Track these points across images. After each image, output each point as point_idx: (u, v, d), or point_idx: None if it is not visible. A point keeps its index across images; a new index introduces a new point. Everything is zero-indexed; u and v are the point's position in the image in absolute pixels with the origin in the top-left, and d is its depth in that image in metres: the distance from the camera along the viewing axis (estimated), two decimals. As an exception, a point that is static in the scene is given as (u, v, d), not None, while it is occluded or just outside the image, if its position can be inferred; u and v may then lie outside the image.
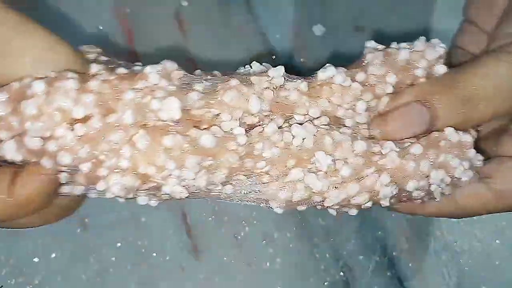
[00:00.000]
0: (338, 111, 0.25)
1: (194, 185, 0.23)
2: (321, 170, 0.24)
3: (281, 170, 0.24)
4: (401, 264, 0.35)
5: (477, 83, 0.24)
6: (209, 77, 0.25)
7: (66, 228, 0.34)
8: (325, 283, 0.34)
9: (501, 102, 0.24)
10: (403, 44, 0.26)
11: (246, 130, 0.24)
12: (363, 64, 0.25)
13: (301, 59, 0.37)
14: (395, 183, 0.24)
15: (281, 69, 0.24)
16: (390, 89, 0.25)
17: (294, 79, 0.25)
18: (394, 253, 0.35)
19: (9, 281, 0.33)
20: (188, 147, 0.22)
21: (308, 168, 0.24)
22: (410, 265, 0.35)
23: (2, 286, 0.33)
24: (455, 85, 0.24)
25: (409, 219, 0.36)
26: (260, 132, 0.24)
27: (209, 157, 0.23)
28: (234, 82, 0.24)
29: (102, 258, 0.34)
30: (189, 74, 0.24)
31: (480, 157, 0.25)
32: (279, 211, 0.24)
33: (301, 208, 0.24)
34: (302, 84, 0.24)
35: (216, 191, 0.24)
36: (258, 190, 0.24)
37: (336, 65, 0.25)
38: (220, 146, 0.23)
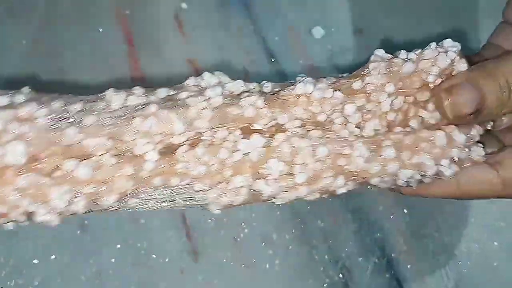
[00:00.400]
0: (319, 117, 0.26)
1: (70, 210, 0.24)
2: (272, 176, 0.25)
3: (216, 180, 0.25)
4: (399, 266, 0.35)
5: None
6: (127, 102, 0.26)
7: (66, 229, 0.34)
8: (324, 285, 0.35)
9: None
10: (412, 55, 0.26)
11: (172, 150, 0.25)
12: (364, 72, 0.26)
13: (300, 62, 0.38)
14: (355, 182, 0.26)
15: (217, 89, 0.26)
16: (385, 97, 0.26)
17: (251, 92, 0.26)
18: (392, 255, 0.35)
19: (8, 282, 0.33)
20: (49, 181, 0.24)
21: (259, 173, 0.25)
22: (408, 266, 0.35)
23: (2, 287, 0.33)
24: (496, 72, 0.25)
25: (408, 221, 0.36)
26: (184, 152, 0.25)
27: (91, 184, 0.24)
28: (153, 108, 0.25)
29: (102, 259, 0.34)
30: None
31: (481, 151, 0.26)
32: (217, 212, 0.26)
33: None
34: (259, 101, 0.26)
35: (113, 206, 0.25)
36: (190, 197, 0.26)
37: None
38: (108, 174, 0.24)
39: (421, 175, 0.26)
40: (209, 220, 0.35)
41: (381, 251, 0.35)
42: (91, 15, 0.36)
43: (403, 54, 0.26)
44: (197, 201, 0.26)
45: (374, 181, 0.26)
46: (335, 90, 0.26)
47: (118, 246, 0.34)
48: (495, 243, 0.35)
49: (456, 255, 0.35)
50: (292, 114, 0.26)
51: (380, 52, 0.27)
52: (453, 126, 0.26)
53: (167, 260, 0.34)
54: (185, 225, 0.35)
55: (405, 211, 0.36)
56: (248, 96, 0.26)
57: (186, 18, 0.36)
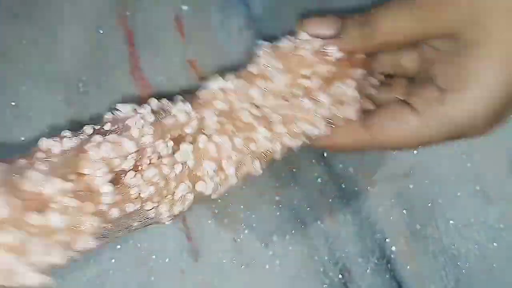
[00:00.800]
0: (235, 106, 0.29)
1: (50, 263, 0.25)
2: (208, 175, 0.28)
3: (164, 195, 0.28)
4: (399, 267, 0.35)
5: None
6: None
7: (66, 230, 0.34)
8: (324, 285, 0.35)
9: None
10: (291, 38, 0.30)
11: (120, 177, 0.27)
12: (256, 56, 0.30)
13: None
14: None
15: (147, 107, 0.29)
16: (277, 75, 0.29)
17: (177, 102, 0.29)
18: (392, 256, 0.35)
19: (8, 283, 0.33)
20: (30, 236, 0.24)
21: (197, 177, 0.28)
22: (408, 267, 0.35)
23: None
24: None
25: (408, 222, 0.36)
26: (132, 177, 0.27)
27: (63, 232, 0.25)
28: (98, 138, 0.27)
29: (102, 260, 0.34)
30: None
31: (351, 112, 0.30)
32: (169, 222, 0.29)
33: None
34: (187, 107, 0.29)
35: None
36: (146, 218, 0.28)
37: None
38: (76, 218, 0.25)
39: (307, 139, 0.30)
40: (209, 221, 0.35)
41: (381, 251, 0.35)
42: (91, 16, 0.36)
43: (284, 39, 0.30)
44: (150, 219, 0.28)
45: (278, 155, 0.30)
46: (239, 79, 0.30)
47: (118, 246, 0.34)
48: (494, 244, 0.35)
49: (456, 256, 0.35)
50: (211, 111, 0.29)
51: (262, 41, 0.30)
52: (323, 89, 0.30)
53: (167, 260, 0.34)
54: (185, 225, 0.35)
55: (405, 212, 0.36)
56: (176, 105, 0.29)
57: (186, 19, 0.36)
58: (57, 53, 0.35)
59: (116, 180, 0.26)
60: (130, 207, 0.26)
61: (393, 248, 0.35)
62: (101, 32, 0.35)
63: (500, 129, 0.36)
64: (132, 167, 0.27)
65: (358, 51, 0.29)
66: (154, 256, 0.34)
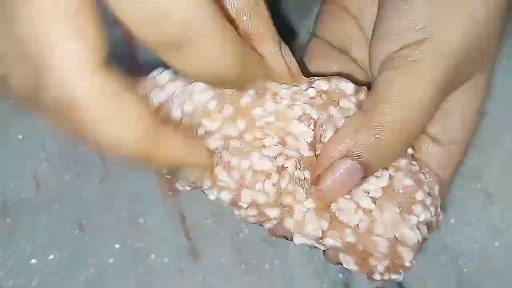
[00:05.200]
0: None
1: None
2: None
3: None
4: (400, 266, 0.35)
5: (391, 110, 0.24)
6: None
7: (64, 229, 0.34)
8: (324, 285, 0.34)
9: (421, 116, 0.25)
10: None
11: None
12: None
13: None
14: None
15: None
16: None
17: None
18: (393, 255, 0.35)
19: (7, 282, 0.33)
20: None
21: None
22: (409, 266, 0.35)
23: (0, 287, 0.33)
24: (374, 123, 0.24)
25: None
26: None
27: None
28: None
29: (100, 259, 0.34)
30: None
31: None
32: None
33: None
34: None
35: None
36: None
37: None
38: None
39: None
40: (209, 220, 0.35)
41: (381, 251, 0.35)
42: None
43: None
44: None
45: None
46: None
47: (117, 246, 0.34)
48: (496, 243, 0.35)
49: (457, 255, 0.35)
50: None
51: None
52: None
53: (166, 260, 0.34)
54: (184, 225, 0.35)
55: (406, 211, 0.36)
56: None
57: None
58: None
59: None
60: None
61: (394, 247, 0.35)
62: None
63: (501, 128, 0.36)
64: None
65: None
66: (153, 256, 0.34)
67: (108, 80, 0.19)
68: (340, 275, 0.34)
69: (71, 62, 0.18)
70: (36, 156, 0.35)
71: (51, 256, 0.34)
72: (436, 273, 0.35)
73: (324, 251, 0.27)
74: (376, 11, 0.27)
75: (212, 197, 0.26)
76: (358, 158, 0.24)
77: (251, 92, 0.25)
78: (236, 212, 0.26)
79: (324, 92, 0.26)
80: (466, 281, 0.34)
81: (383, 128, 0.24)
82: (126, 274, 0.34)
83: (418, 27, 0.24)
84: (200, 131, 0.25)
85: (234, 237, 0.35)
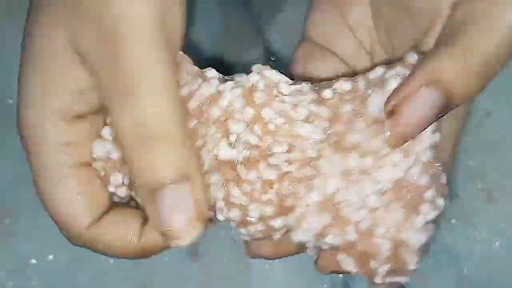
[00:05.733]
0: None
1: None
2: None
3: None
4: (400, 266, 0.35)
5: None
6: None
7: (64, 229, 0.34)
8: (324, 285, 0.34)
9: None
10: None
11: None
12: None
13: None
14: None
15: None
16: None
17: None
18: (393, 255, 0.35)
19: (6, 282, 0.33)
20: None
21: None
22: (409, 266, 0.35)
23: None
24: (463, 47, 0.22)
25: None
26: None
27: None
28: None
29: (101, 260, 0.34)
30: None
31: None
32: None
33: None
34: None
35: None
36: None
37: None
38: None
39: None
40: (209, 220, 0.35)
41: (381, 251, 0.35)
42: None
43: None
44: None
45: None
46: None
47: (117, 246, 0.34)
48: (496, 243, 0.35)
49: (457, 255, 0.35)
50: None
51: None
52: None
53: (166, 260, 0.34)
54: (184, 224, 0.35)
55: (406, 210, 0.36)
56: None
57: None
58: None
59: None
60: None
61: (394, 247, 0.35)
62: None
63: (501, 128, 0.36)
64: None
65: None
66: (153, 256, 0.34)
67: None
68: (340, 275, 0.34)
69: None
70: (36, 156, 0.35)
71: (51, 257, 0.34)
72: (436, 273, 0.35)
73: (315, 260, 0.26)
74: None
75: (221, 217, 0.25)
76: (441, 86, 0.21)
77: (260, 84, 0.24)
78: (243, 231, 0.25)
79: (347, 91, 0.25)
80: (466, 281, 0.34)
81: (473, 52, 0.21)
82: (126, 274, 0.34)
83: None
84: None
85: (234, 237, 0.35)
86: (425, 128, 0.22)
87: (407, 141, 0.22)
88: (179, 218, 0.22)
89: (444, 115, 0.22)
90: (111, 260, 0.34)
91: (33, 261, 0.34)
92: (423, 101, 0.21)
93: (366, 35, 0.28)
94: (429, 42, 0.24)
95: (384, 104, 0.22)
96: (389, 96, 0.22)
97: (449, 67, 0.21)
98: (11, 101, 0.34)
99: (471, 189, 0.36)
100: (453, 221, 0.35)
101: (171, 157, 0.22)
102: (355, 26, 0.28)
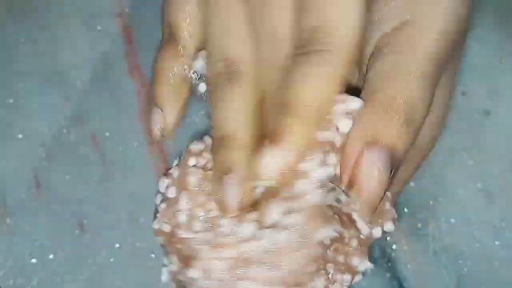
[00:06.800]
0: None
1: None
2: None
3: None
4: (400, 265, 0.35)
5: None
6: None
7: (64, 229, 0.34)
8: (324, 285, 0.34)
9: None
10: None
11: None
12: None
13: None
14: None
15: None
16: None
17: None
18: (393, 255, 0.35)
19: (7, 282, 0.33)
20: None
21: None
22: (409, 266, 0.35)
23: (0, 287, 0.33)
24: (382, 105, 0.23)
25: (409, 220, 0.35)
26: None
27: None
28: None
29: (101, 259, 0.34)
30: None
31: None
32: None
33: None
34: None
35: None
36: None
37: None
38: None
39: None
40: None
41: (381, 250, 0.35)
42: (90, 13, 0.36)
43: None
44: None
45: None
46: None
47: (117, 245, 0.34)
48: (496, 242, 0.35)
49: (457, 255, 0.35)
50: None
51: None
52: None
53: (166, 260, 0.34)
54: (184, 224, 0.35)
55: (406, 210, 0.36)
56: None
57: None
58: (56, 50, 0.35)
59: None
60: None
61: (394, 247, 0.35)
62: (99, 29, 0.35)
63: (501, 128, 0.36)
64: None
65: None
66: (153, 255, 0.34)
67: None
68: (340, 274, 0.34)
69: None
70: (36, 156, 0.35)
71: (51, 256, 0.34)
72: (436, 272, 0.35)
73: None
74: None
75: None
76: (380, 143, 0.22)
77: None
78: None
79: None
80: (466, 281, 0.34)
81: (391, 106, 0.22)
82: (126, 274, 0.34)
83: (400, 12, 0.24)
84: None
85: (234, 236, 0.35)
86: (388, 186, 0.22)
87: (378, 205, 0.23)
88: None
89: (399, 165, 0.23)
90: (111, 260, 0.34)
91: (33, 261, 0.34)
92: (371, 164, 0.22)
93: None
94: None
95: (339, 178, 0.23)
96: (339, 171, 0.23)
97: (378, 124, 0.22)
98: (11, 101, 0.34)
99: (471, 189, 0.36)
100: (452, 220, 0.35)
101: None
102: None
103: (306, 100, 0.22)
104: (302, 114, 0.22)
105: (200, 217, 0.25)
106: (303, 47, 0.23)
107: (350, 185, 0.22)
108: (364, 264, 0.26)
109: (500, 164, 0.36)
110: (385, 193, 0.22)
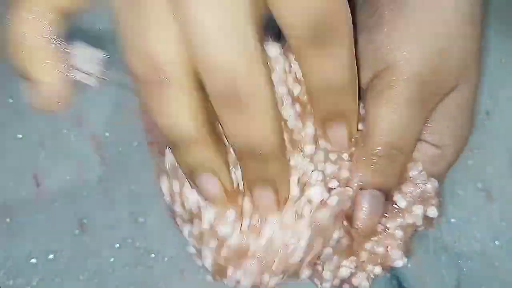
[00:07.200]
0: None
1: None
2: None
3: None
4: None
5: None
6: None
7: (64, 229, 0.34)
8: (324, 285, 0.34)
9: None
10: None
11: None
12: None
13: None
14: None
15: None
16: None
17: None
18: (393, 254, 0.35)
19: (7, 282, 0.33)
20: None
21: None
22: (409, 266, 0.35)
23: (0, 286, 0.33)
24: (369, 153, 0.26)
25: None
26: None
27: None
28: None
29: (101, 259, 0.34)
30: None
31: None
32: None
33: None
34: None
35: None
36: None
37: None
38: None
39: None
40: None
41: (381, 250, 0.35)
42: (89, 14, 0.36)
43: None
44: None
45: None
46: None
47: (117, 245, 0.34)
48: (496, 242, 0.35)
49: (457, 255, 0.35)
50: None
51: None
52: None
53: (166, 259, 0.34)
54: (184, 224, 0.35)
55: (406, 210, 0.36)
56: None
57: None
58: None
59: None
60: None
61: (394, 247, 0.35)
62: (99, 29, 0.35)
63: (501, 128, 0.36)
64: None
65: None
66: (153, 255, 0.34)
67: None
68: (340, 274, 0.34)
69: None
70: (36, 156, 0.35)
71: (51, 256, 0.34)
72: (436, 273, 0.35)
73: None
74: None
75: None
76: (371, 185, 0.26)
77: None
78: None
79: None
80: (466, 281, 0.34)
81: (378, 155, 0.26)
82: (126, 273, 0.34)
83: (383, 54, 0.26)
84: None
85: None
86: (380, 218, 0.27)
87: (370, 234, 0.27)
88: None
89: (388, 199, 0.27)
90: (111, 260, 0.34)
91: (33, 261, 0.34)
92: (367, 203, 0.26)
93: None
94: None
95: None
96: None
97: (367, 170, 0.26)
98: (11, 101, 0.34)
99: (471, 189, 0.36)
100: (452, 220, 0.35)
101: None
102: None
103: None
104: None
105: None
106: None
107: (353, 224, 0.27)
108: (401, 261, 0.27)
109: (500, 164, 0.36)
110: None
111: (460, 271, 0.35)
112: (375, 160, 0.26)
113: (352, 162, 0.26)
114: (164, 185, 0.27)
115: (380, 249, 0.27)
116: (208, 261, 0.26)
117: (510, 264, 0.35)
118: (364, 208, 0.26)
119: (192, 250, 0.28)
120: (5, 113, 0.34)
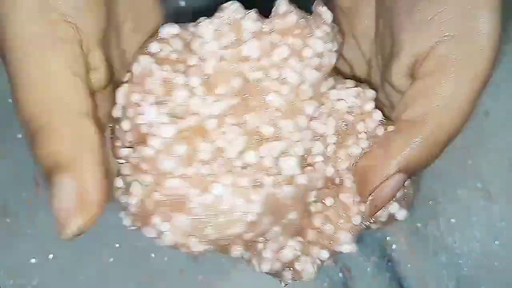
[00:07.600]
0: None
1: None
2: None
3: None
4: (400, 265, 0.35)
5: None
6: None
7: (64, 229, 0.34)
8: (324, 284, 0.34)
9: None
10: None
11: None
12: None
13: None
14: None
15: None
16: None
17: None
18: (393, 254, 0.35)
19: (7, 282, 0.33)
20: None
21: None
22: (409, 266, 0.35)
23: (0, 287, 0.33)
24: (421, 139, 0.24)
25: (409, 220, 0.35)
26: None
27: None
28: None
29: (101, 259, 0.34)
30: None
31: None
32: None
33: None
34: None
35: None
36: None
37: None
38: None
39: None
40: (209, 220, 0.35)
41: (381, 250, 0.35)
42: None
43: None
44: None
45: None
46: None
47: (117, 245, 0.34)
48: (496, 242, 0.35)
49: (457, 255, 0.35)
50: None
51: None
52: None
53: (166, 259, 0.34)
54: (184, 224, 0.35)
55: (406, 210, 0.36)
56: None
57: (184, 15, 0.36)
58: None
59: None
60: None
61: (394, 247, 0.35)
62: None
63: (501, 127, 0.36)
64: None
65: None
66: (153, 255, 0.34)
67: None
68: (340, 274, 0.34)
69: None
70: (36, 156, 0.35)
71: (51, 256, 0.34)
72: (436, 273, 0.35)
73: None
74: (371, 11, 0.27)
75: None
76: (408, 171, 0.24)
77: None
78: None
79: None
80: (466, 281, 0.34)
81: (428, 141, 0.24)
82: (126, 273, 0.34)
83: (446, 24, 0.22)
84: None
85: (234, 236, 0.35)
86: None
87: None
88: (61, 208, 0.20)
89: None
90: (111, 259, 0.34)
91: (33, 260, 0.34)
92: (393, 185, 0.24)
93: (367, 47, 0.28)
94: (391, 75, 0.25)
95: (364, 191, 0.25)
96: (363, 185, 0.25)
97: (416, 156, 0.24)
98: (11, 101, 0.34)
99: (471, 189, 0.36)
100: (452, 220, 0.35)
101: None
102: (359, 37, 0.28)
103: None
104: None
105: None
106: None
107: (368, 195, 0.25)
108: (348, 246, 0.24)
109: (500, 164, 0.36)
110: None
111: (460, 271, 0.35)
112: (424, 145, 0.23)
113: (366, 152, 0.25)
114: (122, 92, 0.23)
115: (328, 227, 0.24)
116: (134, 200, 0.22)
117: (510, 264, 0.35)
118: (390, 188, 0.24)
119: (119, 183, 0.23)
120: (5, 113, 0.34)
